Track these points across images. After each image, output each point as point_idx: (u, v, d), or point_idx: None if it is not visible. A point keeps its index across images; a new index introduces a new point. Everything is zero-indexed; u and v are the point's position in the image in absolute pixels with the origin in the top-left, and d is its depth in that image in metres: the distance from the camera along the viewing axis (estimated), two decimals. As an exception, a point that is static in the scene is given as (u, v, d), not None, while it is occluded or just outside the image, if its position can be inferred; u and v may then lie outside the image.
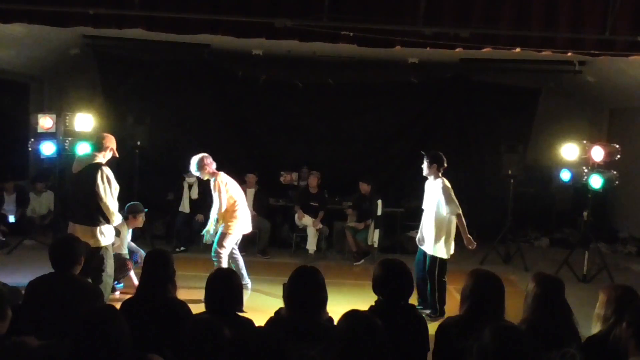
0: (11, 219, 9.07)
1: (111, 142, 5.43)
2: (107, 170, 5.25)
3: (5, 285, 3.19)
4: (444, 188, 5.73)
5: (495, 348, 2.29)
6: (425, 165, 5.90)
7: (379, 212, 8.39)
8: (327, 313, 3.21)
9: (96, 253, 5.22)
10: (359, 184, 8.63)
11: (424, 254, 5.94)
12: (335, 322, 2.77)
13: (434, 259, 5.81)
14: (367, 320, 2.50)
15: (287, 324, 3.06)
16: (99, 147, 5.37)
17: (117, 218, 5.39)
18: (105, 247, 5.32)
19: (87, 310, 2.51)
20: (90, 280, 5.29)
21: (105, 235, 5.30)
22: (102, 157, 5.34)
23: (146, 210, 6.56)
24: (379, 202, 8.43)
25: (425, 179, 6.00)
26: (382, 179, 10.03)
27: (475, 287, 3.10)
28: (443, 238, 5.76)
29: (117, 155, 5.57)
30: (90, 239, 5.12)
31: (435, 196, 5.79)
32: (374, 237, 8.31)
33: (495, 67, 9.39)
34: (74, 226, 5.26)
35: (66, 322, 2.59)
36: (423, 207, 6.11)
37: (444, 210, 5.71)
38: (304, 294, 3.13)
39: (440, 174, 5.85)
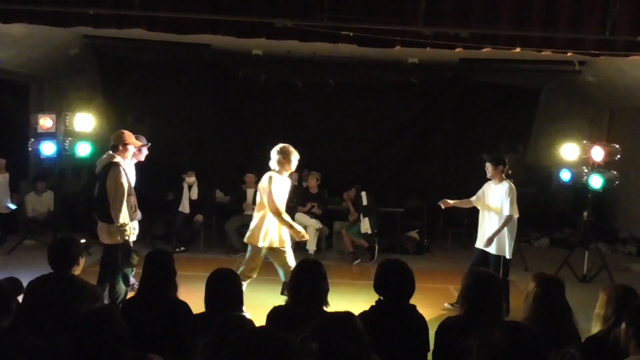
0: (11, 206, 8.97)
1: (126, 138, 5.47)
2: (118, 170, 5.24)
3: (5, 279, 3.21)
4: (512, 190, 5.87)
5: (507, 346, 2.30)
6: (490, 169, 5.98)
7: (365, 203, 8.52)
8: (329, 304, 3.28)
9: (110, 250, 5.28)
10: (343, 195, 8.88)
11: (484, 254, 5.98)
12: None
13: (498, 258, 5.87)
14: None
15: (290, 312, 3.16)
16: (114, 147, 5.41)
17: (121, 216, 5.24)
18: (121, 245, 5.27)
19: (86, 311, 2.51)
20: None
21: (121, 233, 5.26)
22: (120, 157, 5.38)
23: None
24: (363, 193, 8.56)
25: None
26: (382, 179, 10.05)
27: (474, 287, 3.11)
28: (508, 238, 5.86)
29: (138, 145, 5.63)
30: (105, 236, 5.25)
31: (500, 197, 5.89)
32: (366, 225, 8.40)
33: (495, 67, 9.39)
34: (98, 223, 5.38)
35: (65, 322, 2.59)
36: (479, 207, 6.17)
37: (506, 210, 5.82)
38: (308, 285, 3.23)
39: (504, 175, 5.97)
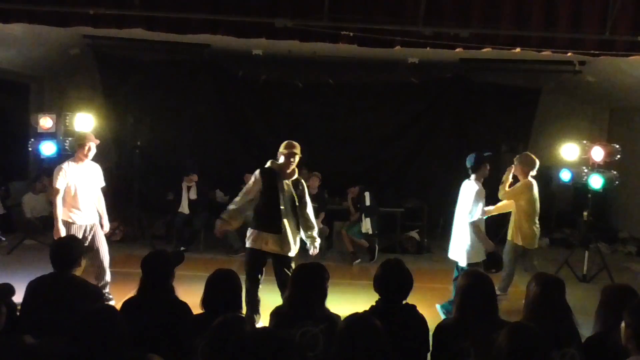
0: None
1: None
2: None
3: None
4: (479, 191, 5.54)
5: (511, 347, 2.31)
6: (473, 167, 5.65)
7: (367, 203, 8.52)
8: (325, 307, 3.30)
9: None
10: (347, 191, 8.85)
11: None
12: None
13: (469, 265, 5.54)
14: (366, 322, 2.53)
15: (287, 312, 3.21)
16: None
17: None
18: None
19: (86, 311, 2.51)
20: None
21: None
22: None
23: None
24: (366, 194, 8.57)
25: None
26: (382, 179, 10.05)
27: (469, 288, 3.11)
28: (474, 243, 5.60)
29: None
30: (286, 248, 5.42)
31: (467, 199, 5.60)
32: (367, 225, 8.40)
33: (495, 67, 9.38)
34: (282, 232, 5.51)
35: (66, 322, 2.59)
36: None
37: (470, 216, 5.51)
38: (304, 287, 3.26)
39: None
